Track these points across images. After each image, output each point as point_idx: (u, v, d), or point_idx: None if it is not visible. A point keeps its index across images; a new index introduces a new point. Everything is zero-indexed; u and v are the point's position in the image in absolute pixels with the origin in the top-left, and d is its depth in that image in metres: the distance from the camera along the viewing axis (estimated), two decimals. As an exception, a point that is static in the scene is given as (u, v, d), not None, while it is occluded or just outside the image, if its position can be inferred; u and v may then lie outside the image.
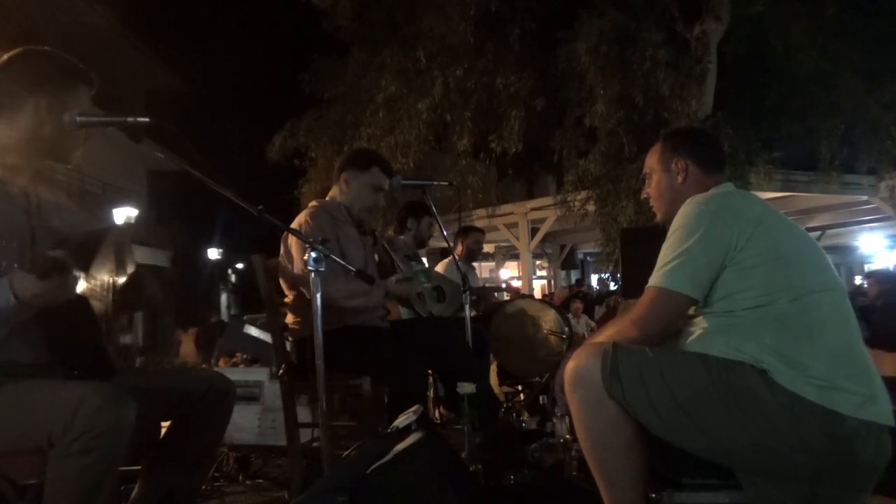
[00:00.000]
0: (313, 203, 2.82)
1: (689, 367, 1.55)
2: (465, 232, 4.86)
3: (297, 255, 2.57)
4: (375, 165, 2.82)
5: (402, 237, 4.08)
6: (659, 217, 1.94)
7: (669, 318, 1.66)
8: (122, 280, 1.85)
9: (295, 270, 2.58)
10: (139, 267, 1.92)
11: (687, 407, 1.51)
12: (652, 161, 1.93)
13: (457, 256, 4.62)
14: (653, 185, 1.94)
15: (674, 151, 1.88)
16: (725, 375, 1.51)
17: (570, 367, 1.59)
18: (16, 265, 1.46)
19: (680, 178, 1.86)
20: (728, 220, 1.61)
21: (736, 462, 1.53)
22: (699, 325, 1.65)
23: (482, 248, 5.13)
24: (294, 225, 2.66)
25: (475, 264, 5.26)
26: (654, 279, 1.65)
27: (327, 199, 2.88)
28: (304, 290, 2.57)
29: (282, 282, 2.69)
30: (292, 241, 2.62)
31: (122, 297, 1.83)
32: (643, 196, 2.01)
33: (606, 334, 1.69)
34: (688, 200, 1.70)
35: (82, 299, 1.61)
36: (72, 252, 1.57)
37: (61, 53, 1.77)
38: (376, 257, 3.35)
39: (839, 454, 1.45)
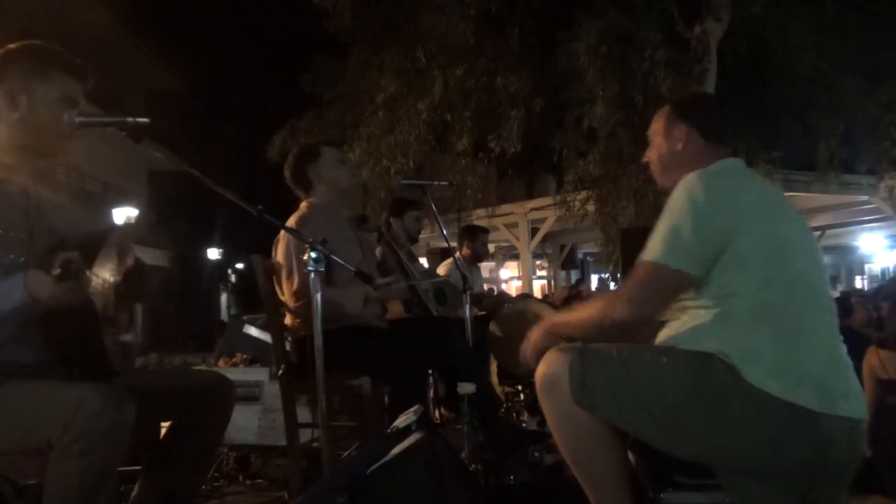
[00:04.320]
0: (304, 205, 2.82)
1: (656, 366, 1.52)
2: (472, 233, 4.81)
3: (283, 256, 2.58)
4: (322, 147, 2.87)
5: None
6: (658, 183, 1.88)
7: (665, 296, 1.59)
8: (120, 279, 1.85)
9: (283, 273, 2.58)
10: (138, 260, 1.92)
11: (656, 412, 1.49)
12: (657, 125, 1.87)
13: (462, 257, 4.62)
14: (653, 150, 1.88)
15: (678, 117, 1.82)
16: (693, 374, 1.48)
17: (540, 373, 1.58)
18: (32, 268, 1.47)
19: (680, 145, 1.79)
20: (723, 205, 1.55)
21: (711, 462, 1.52)
22: (676, 316, 1.61)
23: (488, 249, 5.12)
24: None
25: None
26: (649, 253, 1.57)
27: (304, 211, 2.81)
28: (287, 291, 2.57)
29: (275, 285, 2.69)
30: (283, 242, 2.62)
31: (119, 290, 1.83)
32: (643, 160, 1.94)
33: (594, 308, 1.64)
34: (688, 176, 1.63)
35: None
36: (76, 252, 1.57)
37: (41, 43, 1.73)
38: (378, 251, 3.35)
39: (813, 451, 1.43)
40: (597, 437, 1.54)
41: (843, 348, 1.55)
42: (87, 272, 1.53)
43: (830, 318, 1.57)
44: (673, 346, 1.56)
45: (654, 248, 1.56)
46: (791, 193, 9.96)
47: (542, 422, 3.02)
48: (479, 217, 11.31)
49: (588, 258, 18.07)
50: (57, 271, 1.42)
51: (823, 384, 1.45)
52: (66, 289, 1.45)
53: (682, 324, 1.59)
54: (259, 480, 3.29)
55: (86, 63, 1.76)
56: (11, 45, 1.72)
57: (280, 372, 2.57)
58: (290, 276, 2.56)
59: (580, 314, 1.71)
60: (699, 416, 1.47)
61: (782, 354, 1.46)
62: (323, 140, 3.12)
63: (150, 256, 14.19)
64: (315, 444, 2.56)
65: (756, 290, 1.50)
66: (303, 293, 2.48)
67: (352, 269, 2.01)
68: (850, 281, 17.25)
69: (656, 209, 7.78)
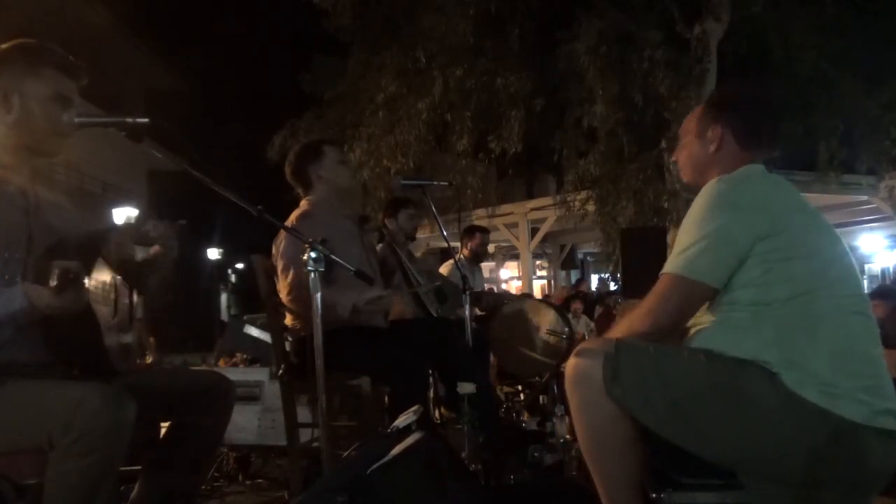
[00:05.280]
0: (304, 202, 2.82)
1: (691, 365, 1.51)
2: (471, 233, 4.84)
3: (280, 253, 2.57)
4: (325, 146, 2.86)
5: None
6: (685, 181, 1.82)
7: (686, 309, 1.57)
8: (120, 279, 1.85)
9: (279, 268, 2.58)
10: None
11: (684, 406, 1.48)
12: (689, 124, 1.80)
13: (464, 257, 4.64)
14: (683, 150, 1.80)
15: (714, 119, 1.73)
16: (730, 376, 1.47)
17: (571, 364, 1.56)
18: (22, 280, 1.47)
19: (713, 147, 1.71)
20: (752, 209, 1.52)
21: (735, 464, 1.51)
22: (707, 321, 1.59)
23: (488, 249, 5.13)
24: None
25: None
26: (672, 265, 1.55)
27: (306, 208, 2.81)
28: (282, 288, 2.56)
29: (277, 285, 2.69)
30: (281, 239, 2.62)
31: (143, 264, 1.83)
32: (672, 160, 1.86)
33: (619, 329, 1.63)
34: (713, 181, 1.59)
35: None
36: (75, 253, 1.57)
37: (33, 41, 1.72)
38: (379, 248, 3.35)
39: (845, 462, 1.41)
40: (619, 433, 1.53)
41: (883, 360, 1.51)
42: (86, 279, 1.53)
43: (869, 326, 1.53)
44: (711, 349, 1.53)
45: (674, 261, 1.55)
46: (791, 194, 9.95)
47: (542, 422, 3.03)
48: (479, 217, 11.32)
49: (588, 258, 18.08)
50: (54, 282, 1.42)
51: (861, 394, 1.42)
52: (64, 299, 1.45)
53: (715, 327, 1.57)
54: (259, 480, 3.28)
55: (79, 60, 1.75)
56: (3, 45, 1.71)
57: (280, 372, 2.57)
58: (284, 271, 2.55)
59: (612, 333, 1.67)
60: (727, 413, 1.45)
61: (823, 363, 1.43)
62: (324, 138, 3.11)
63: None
64: (315, 444, 2.56)
65: (787, 298, 1.48)
66: (296, 290, 2.48)
67: (351, 269, 2.00)
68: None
69: (656, 209, 7.86)
